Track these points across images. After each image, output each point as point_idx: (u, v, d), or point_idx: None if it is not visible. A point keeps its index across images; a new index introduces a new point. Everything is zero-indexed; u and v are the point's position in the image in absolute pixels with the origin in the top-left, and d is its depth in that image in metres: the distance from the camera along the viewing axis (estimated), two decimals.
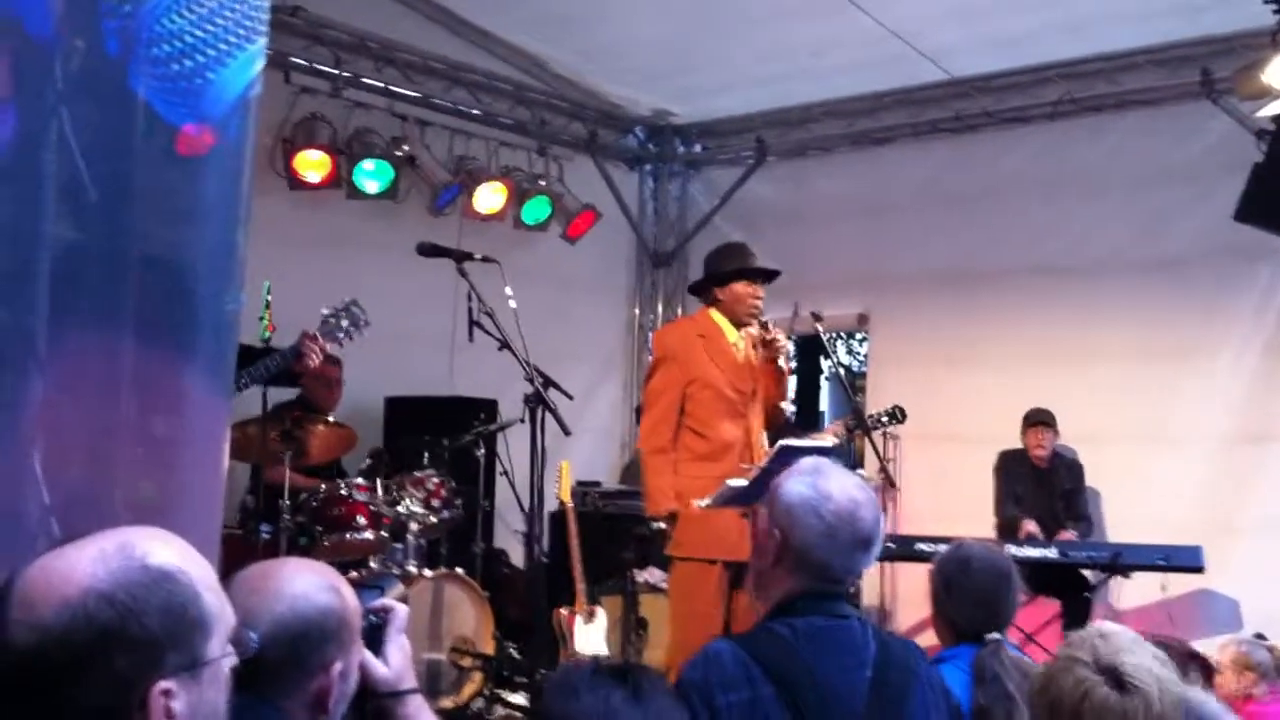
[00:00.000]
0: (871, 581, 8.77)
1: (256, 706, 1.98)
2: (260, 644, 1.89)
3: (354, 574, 6.31)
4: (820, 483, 2.86)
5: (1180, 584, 7.04)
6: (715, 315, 5.93)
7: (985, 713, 3.07)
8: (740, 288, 5.86)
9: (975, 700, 3.11)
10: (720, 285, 5.92)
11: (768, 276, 5.95)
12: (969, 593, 3.38)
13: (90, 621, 1.55)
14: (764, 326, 5.87)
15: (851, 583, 2.92)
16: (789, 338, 6.08)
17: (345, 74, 7.77)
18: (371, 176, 7.84)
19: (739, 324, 5.91)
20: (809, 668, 2.64)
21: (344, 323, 5.67)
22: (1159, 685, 2.23)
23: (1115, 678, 2.22)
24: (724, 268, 5.94)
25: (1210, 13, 7.13)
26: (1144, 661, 2.28)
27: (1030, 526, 7.57)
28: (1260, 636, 5.32)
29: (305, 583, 2.11)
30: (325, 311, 5.64)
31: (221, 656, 1.68)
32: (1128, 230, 8.05)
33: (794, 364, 6.08)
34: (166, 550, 1.66)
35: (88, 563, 1.60)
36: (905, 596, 8.35)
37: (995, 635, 3.27)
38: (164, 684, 1.59)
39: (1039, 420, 7.82)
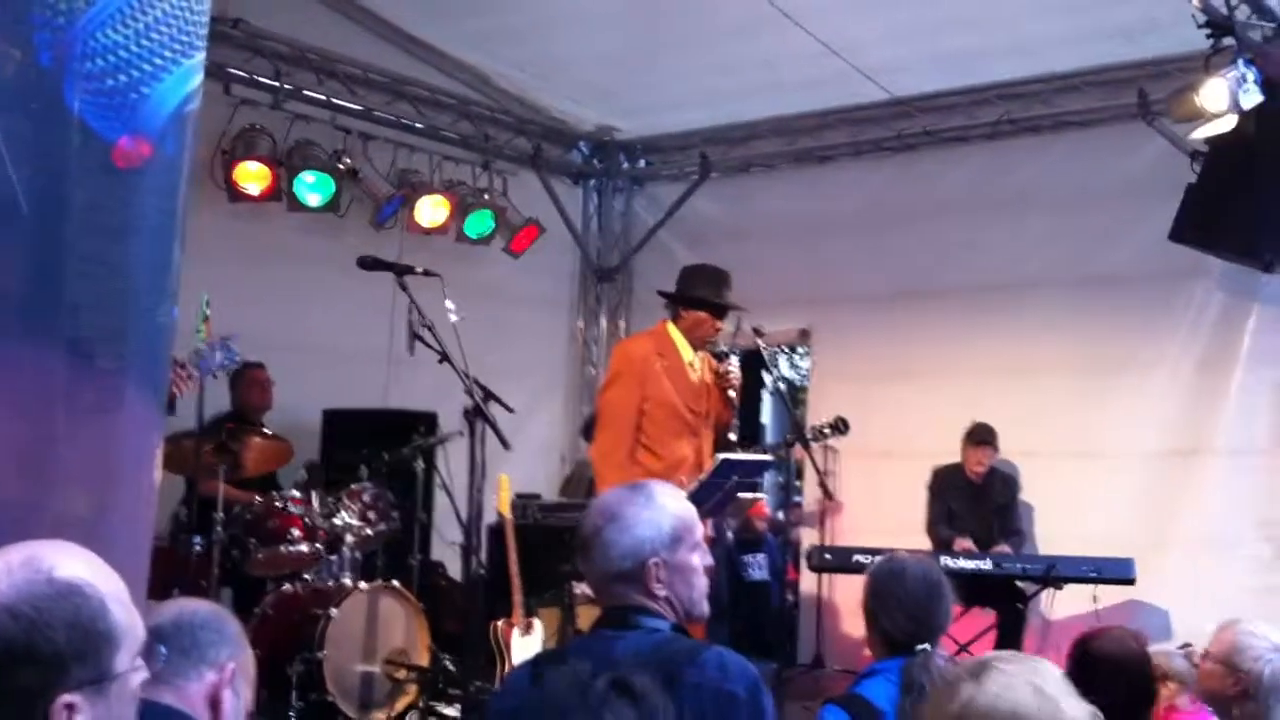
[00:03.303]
0: (810, 593, 8.83)
1: None
2: None
3: (287, 587, 6.30)
4: None
5: (1112, 595, 7.13)
6: (674, 332, 6.10)
7: None
8: (705, 316, 6.05)
9: (902, 711, 3.12)
10: (689, 306, 6.08)
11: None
12: (901, 603, 3.35)
13: None
14: (720, 358, 6.10)
15: (625, 593, 2.73)
16: (731, 351, 6.20)
17: (287, 86, 7.73)
18: (313, 189, 7.76)
19: (696, 346, 6.08)
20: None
21: (218, 355, 5.63)
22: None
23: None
24: (699, 291, 6.10)
25: (1147, 36, 7.24)
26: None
27: (965, 544, 7.58)
28: (1186, 646, 5.37)
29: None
30: (201, 346, 5.56)
31: (130, 670, 1.66)
32: (1065, 249, 8.15)
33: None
34: (74, 563, 1.65)
35: None
36: (845, 607, 8.36)
37: (925, 646, 3.26)
38: (68, 698, 1.57)
39: (981, 439, 7.74)
